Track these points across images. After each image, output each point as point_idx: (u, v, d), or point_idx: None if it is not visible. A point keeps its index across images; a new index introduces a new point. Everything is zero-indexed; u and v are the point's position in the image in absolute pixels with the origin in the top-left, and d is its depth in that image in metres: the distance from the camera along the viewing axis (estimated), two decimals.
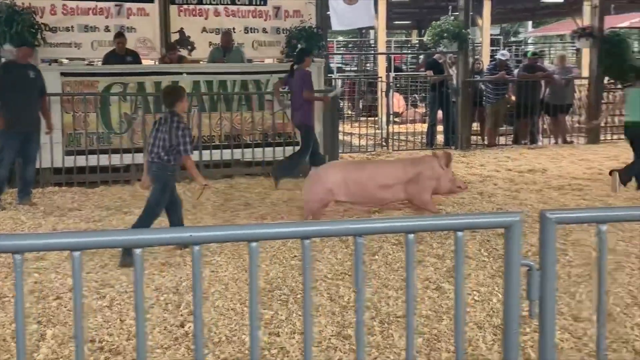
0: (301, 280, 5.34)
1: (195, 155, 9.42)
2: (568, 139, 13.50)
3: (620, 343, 4.24)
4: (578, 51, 17.92)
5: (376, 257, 6.02)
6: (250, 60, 11.62)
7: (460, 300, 2.14)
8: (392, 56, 20.05)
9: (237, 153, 10.02)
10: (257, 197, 8.66)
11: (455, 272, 2.15)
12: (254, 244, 2.09)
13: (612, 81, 13.66)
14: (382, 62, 15.73)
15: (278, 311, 4.77)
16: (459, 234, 2.11)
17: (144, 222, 6.06)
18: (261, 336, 4.36)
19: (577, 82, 14.00)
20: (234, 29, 11.25)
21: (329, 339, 4.33)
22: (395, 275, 5.49)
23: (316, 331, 4.42)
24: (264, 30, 11.51)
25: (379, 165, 8.30)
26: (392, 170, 7.43)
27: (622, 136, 13.88)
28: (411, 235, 2.08)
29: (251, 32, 11.49)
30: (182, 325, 4.52)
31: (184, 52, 11.11)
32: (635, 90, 9.11)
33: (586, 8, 14.40)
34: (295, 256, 5.97)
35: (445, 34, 12.51)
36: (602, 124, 13.60)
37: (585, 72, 14.49)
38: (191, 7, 11.24)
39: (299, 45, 10.57)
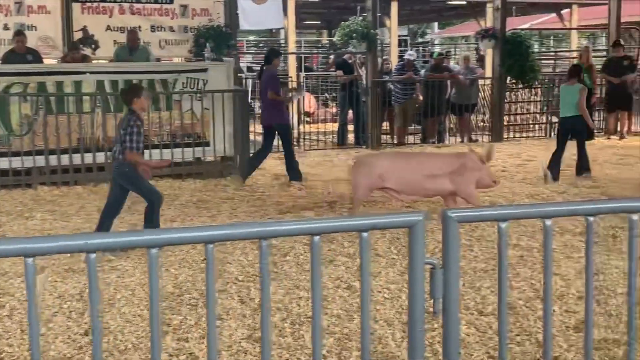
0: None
1: (100, 157, 9.29)
2: (473, 137, 13.87)
3: (524, 336, 4.37)
4: (477, 50, 18.41)
5: (287, 257, 6.00)
6: (157, 60, 11.38)
7: (366, 302, 2.14)
8: (306, 56, 20.12)
9: (145, 154, 9.77)
10: (165, 200, 8.46)
11: (361, 273, 2.15)
12: (154, 251, 2.02)
13: (514, 81, 14.11)
14: (292, 62, 15.73)
15: (187, 316, 4.68)
16: (364, 234, 2.11)
17: (151, 218, 6.25)
18: (169, 342, 4.26)
19: (481, 82, 14.41)
20: (139, 27, 11.00)
21: (240, 342, 4.28)
22: (307, 276, 5.47)
23: (226, 335, 4.36)
24: (171, 29, 11.32)
25: (426, 156, 8.67)
26: (438, 161, 7.62)
27: (525, 134, 14.47)
28: (316, 238, 2.07)
29: (158, 30, 11.27)
30: (87, 334, 4.37)
31: (87, 51, 10.78)
32: (567, 87, 9.77)
33: (489, 10, 14.86)
34: (205, 259, 5.87)
35: (354, 35, 12.63)
36: (505, 123, 14.08)
37: (489, 73, 14.93)
38: (95, 4, 10.93)
39: (207, 45, 10.44)
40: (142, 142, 6.22)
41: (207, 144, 9.89)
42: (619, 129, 13.90)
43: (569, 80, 9.85)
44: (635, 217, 2.27)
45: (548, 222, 2.24)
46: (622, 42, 14.58)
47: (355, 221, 2.12)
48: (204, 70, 10.07)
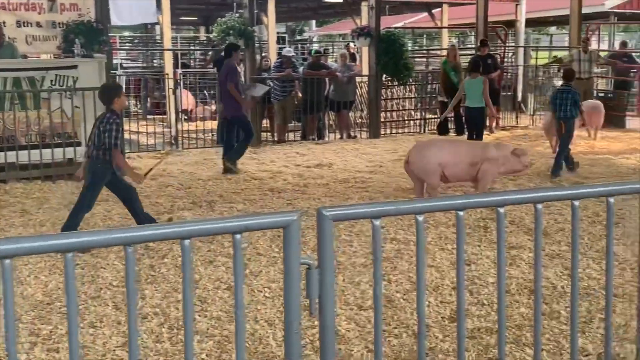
0: (84, 291, 5.06)
1: None
2: (352, 133, 14.08)
3: (401, 328, 4.45)
4: (347, 46, 18.68)
5: (165, 260, 5.84)
6: (24, 56, 10.80)
7: (240, 305, 2.08)
8: (183, 53, 19.72)
9: (11, 156, 9.27)
10: (34, 203, 8.06)
11: (235, 276, 2.09)
12: (7, 261, 1.87)
13: (389, 78, 14.42)
14: (168, 58, 15.39)
15: (58, 325, 4.45)
16: (237, 236, 2.05)
17: (71, 217, 6.31)
18: (38, 353, 4.04)
19: (358, 79, 14.64)
20: (4, 22, 10.39)
21: (114, 350, 4.12)
22: None
23: (100, 343, 4.18)
24: (38, 25, 10.74)
25: (469, 144, 9.12)
26: (476, 149, 8.14)
27: (401, 130, 14.84)
28: (187, 242, 1.99)
29: (24, 26, 10.68)
30: None
31: None
32: (471, 80, 10.93)
33: (364, 8, 15.13)
34: (77, 264, 5.62)
35: (231, 31, 12.50)
36: (382, 119, 14.39)
37: (365, 70, 15.20)
38: None
39: (77, 41, 10.01)
40: (121, 140, 6.37)
41: (79, 144, 9.48)
42: (487, 123, 14.49)
43: (471, 74, 11.07)
44: (502, 210, 2.33)
45: (420, 217, 2.27)
46: (487, 41, 15.21)
47: (227, 223, 2.06)
48: (74, 67, 9.65)
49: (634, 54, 18.18)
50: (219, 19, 13.20)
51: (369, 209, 2.25)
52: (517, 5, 20.55)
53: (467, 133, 11.50)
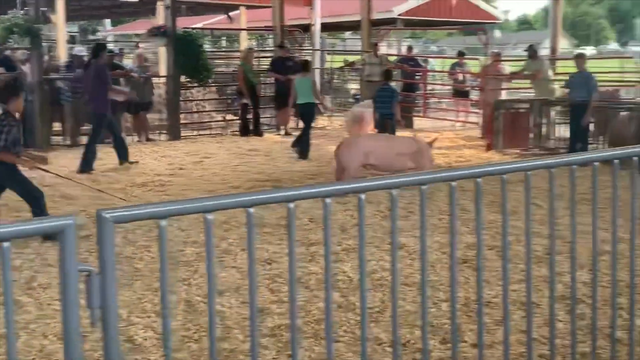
0: None
1: None
2: (151, 136, 13.70)
3: (202, 332, 4.35)
4: (137, 46, 18.28)
5: None
6: None
7: (10, 323, 1.89)
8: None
9: None
10: None
11: (4, 289, 1.89)
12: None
13: (188, 79, 14.21)
14: None
15: None
16: (5, 244, 1.86)
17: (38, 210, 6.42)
18: None
19: (156, 80, 14.29)
20: None
21: None
22: None
23: None
24: None
25: (395, 138, 9.88)
26: (406, 142, 9.13)
27: (202, 132, 14.68)
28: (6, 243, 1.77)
29: None
30: None
31: None
32: (301, 79, 11.68)
33: (160, 8, 14.78)
34: None
35: (15, 29, 11.67)
36: (182, 121, 14.14)
37: (163, 71, 14.87)
38: None
39: None
40: (11, 141, 6.15)
41: None
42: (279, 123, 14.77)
43: (302, 73, 11.87)
44: (292, 205, 2.33)
45: (210, 216, 2.20)
46: (286, 44, 15.53)
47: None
48: None
49: (419, 59, 19.37)
50: (2, 16, 12.27)
51: (155, 209, 2.15)
52: (311, 10, 21.15)
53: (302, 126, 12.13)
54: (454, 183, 2.64)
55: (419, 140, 9.26)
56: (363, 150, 8.62)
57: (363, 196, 2.44)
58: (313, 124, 12.22)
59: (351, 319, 4.54)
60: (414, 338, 4.22)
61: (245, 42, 21.75)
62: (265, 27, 22.70)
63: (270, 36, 19.36)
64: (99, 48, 10.69)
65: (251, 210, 2.23)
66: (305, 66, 12.17)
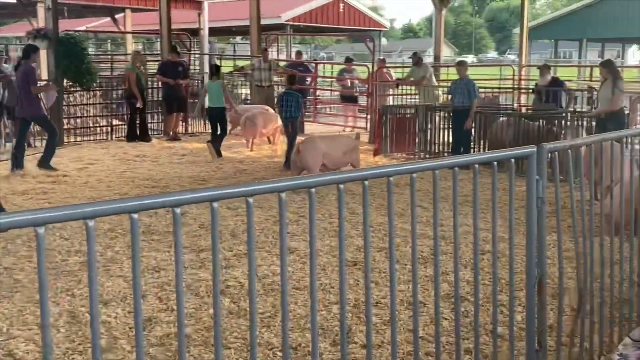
0: None
1: None
2: (32, 142, 13.09)
3: (87, 344, 4.19)
4: (6, 51, 17.49)
5: None
6: None
7: None
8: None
9: None
10: None
11: None
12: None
13: (70, 83, 13.69)
14: None
15: None
16: None
17: None
18: None
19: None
20: None
21: None
22: None
23: None
24: None
25: (340, 137, 10.77)
26: (348, 141, 10.04)
27: (86, 137, 14.19)
28: None
29: None
30: None
31: None
32: (212, 83, 12.05)
33: (40, 10, 14.20)
34: None
35: None
36: (65, 126, 13.63)
37: (45, 75, 14.28)
38: None
39: None
40: None
41: None
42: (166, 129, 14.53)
43: (212, 77, 12.35)
44: (178, 210, 2.28)
45: (91, 222, 2.12)
46: (177, 48, 15.29)
47: None
48: None
49: (308, 64, 19.55)
50: None
51: (32, 217, 2.05)
52: (199, 14, 20.94)
53: (212, 130, 12.24)
54: (342, 185, 2.66)
55: (355, 138, 10.16)
56: (322, 151, 9.42)
57: (251, 199, 2.43)
58: (227, 127, 12.44)
59: (242, 324, 4.51)
60: (305, 341, 4.24)
61: (131, 45, 21.23)
62: (152, 30, 22.27)
63: (158, 40, 18.98)
64: (30, 49, 10.52)
65: (135, 216, 2.17)
66: (216, 71, 12.46)
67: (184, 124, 15.48)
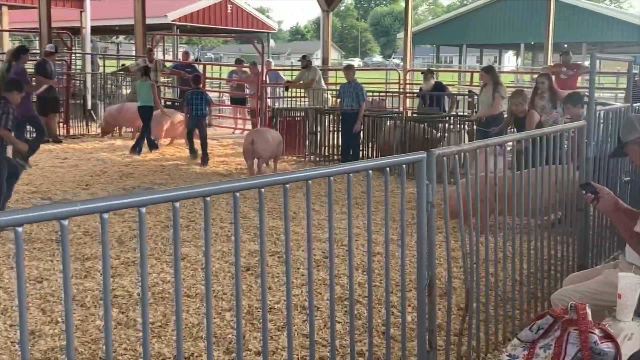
0: None
1: None
2: None
3: None
4: None
5: None
6: None
7: None
8: None
9: None
10: None
11: None
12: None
13: None
14: None
15: None
16: None
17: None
18: None
19: None
20: None
21: None
22: None
23: None
24: None
25: (273, 131, 11.42)
26: (277, 134, 11.10)
27: None
28: None
29: None
30: None
31: None
32: (142, 83, 12.39)
33: None
34: None
35: None
36: None
37: None
38: None
39: None
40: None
41: None
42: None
43: (142, 77, 12.54)
44: (65, 222, 2.17)
45: None
46: (58, 47, 14.65)
47: None
48: None
49: (196, 65, 19.27)
50: None
51: None
52: (82, 12, 20.22)
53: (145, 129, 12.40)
54: (237, 193, 2.63)
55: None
56: (271, 142, 10.49)
57: (144, 210, 2.35)
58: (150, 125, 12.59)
59: (132, 335, 4.37)
60: (198, 351, 4.16)
61: (7, 44, 20.25)
62: (32, 28, 21.30)
63: (37, 38, 18.17)
64: (20, 51, 10.94)
65: (19, 229, 2.05)
66: (145, 71, 12.81)
67: (65, 125, 14.88)
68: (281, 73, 17.93)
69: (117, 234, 6.73)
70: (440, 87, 13.36)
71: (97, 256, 6.02)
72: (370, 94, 13.55)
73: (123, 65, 20.25)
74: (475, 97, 12.28)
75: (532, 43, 32.91)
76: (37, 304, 4.87)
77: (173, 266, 5.61)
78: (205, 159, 11.35)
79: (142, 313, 2.40)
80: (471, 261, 3.83)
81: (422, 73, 14.62)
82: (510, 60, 56.07)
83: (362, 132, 11.48)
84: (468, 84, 19.44)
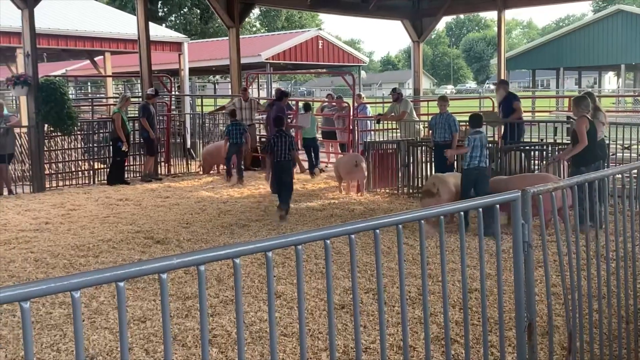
0: None
1: None
2: (13, 188, 13.01)
3: None
4: None
5: None
6: None
7: None
8: None
9: None
10: None
11: None
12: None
13: (52, 128, 13.64)
14: None
15: None
16: None
17: None
18: None
19: (17, 130, 13.63)
20: None
21: None
22: None
23: None
24: None
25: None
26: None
27: (68, 182, 14.10)
28: None
29: None
30: None
31: None
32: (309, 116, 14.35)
33: (20, 55, 14.18)
34: None
35: None
36: (46, 171, 13.55)
37: (25, 121, 14.23)
38: None
39: None
40: None
41: None
42: None
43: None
44: (164, 275, 2.26)
45: (76, 294, 2.09)
46: (155, 91, 15.27)
47: None
48: None
49: (291, 101, 19.61)
50: None
51: (14, 292, 2.01)
52: (180, 55, 21.03)
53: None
54: (353, 236, 2.69)
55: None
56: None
57: (238, 260, 2.41)
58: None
59: None
60: None
61: (111, 87, 21.24)
62: (132, 72, 22.30)
63: (138, 81, 19.00)
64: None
65: (121, 284, 2.14)
66: (307, 108, 15.02)
67: (166, 164, 15.45)
68: (369, 107, 17.96)
69: (215, 272, 6.88)
70: (511, 98, 12.83)
71: (196, 295, 6.17)
72: (463, 123, 13.38)
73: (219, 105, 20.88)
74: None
75: (634, 64, 31.75)
76: (141, 344, 5.03)
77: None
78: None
79: (238, 353, 2.45)
80: (573, 298, 3.70)
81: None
82: (610, 82, 54.28)
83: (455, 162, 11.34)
84: (566, 109, 18.90)
